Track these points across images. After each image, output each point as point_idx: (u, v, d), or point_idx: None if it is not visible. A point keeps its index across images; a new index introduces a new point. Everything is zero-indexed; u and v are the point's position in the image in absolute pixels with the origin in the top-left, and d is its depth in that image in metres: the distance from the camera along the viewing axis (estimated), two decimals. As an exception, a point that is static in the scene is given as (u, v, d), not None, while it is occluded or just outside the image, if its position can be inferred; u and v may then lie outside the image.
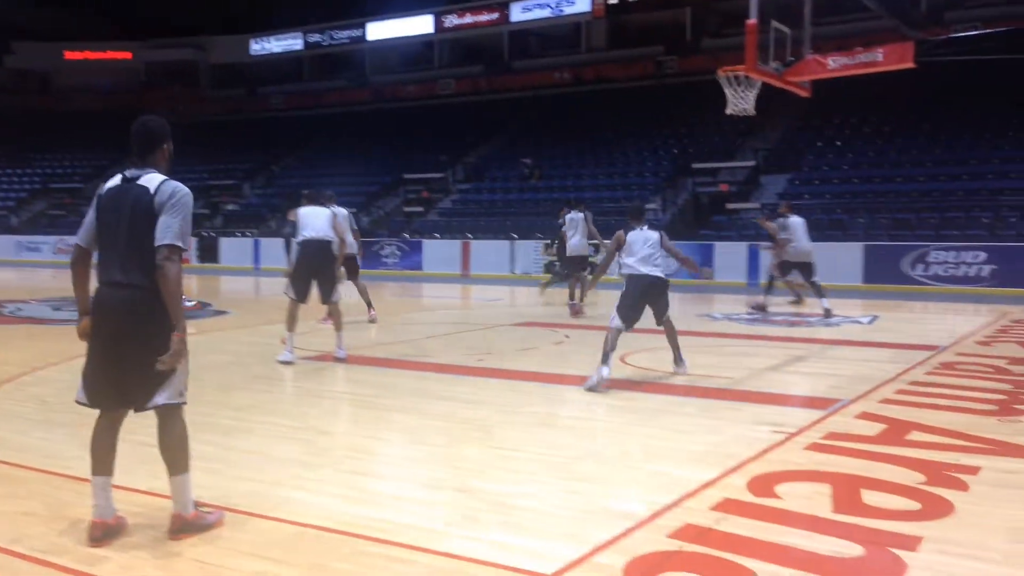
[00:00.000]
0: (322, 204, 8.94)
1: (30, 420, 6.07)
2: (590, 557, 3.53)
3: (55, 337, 10.40)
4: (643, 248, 7.45)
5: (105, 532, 3.69)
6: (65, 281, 3.94)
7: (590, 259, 13.97)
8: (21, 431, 5.74)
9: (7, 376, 7.68)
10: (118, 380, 3.69)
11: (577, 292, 13.31)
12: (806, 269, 13.00)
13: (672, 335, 7.83)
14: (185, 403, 3.83)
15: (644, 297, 7.43)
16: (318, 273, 8.52)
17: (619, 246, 7.58)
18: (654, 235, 7.55)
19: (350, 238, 11.19)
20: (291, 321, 8.48)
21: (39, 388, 7.10)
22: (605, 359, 7.12)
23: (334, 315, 8.68)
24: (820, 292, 12.77)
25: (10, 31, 42.43)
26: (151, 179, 3.71)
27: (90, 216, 3.78)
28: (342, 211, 10.49)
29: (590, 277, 12.81)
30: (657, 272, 7.45)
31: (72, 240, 3.90)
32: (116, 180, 3.80)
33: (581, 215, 13.33)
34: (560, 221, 14.09)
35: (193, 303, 11.43)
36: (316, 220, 8.62)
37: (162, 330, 3.61)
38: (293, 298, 8.52)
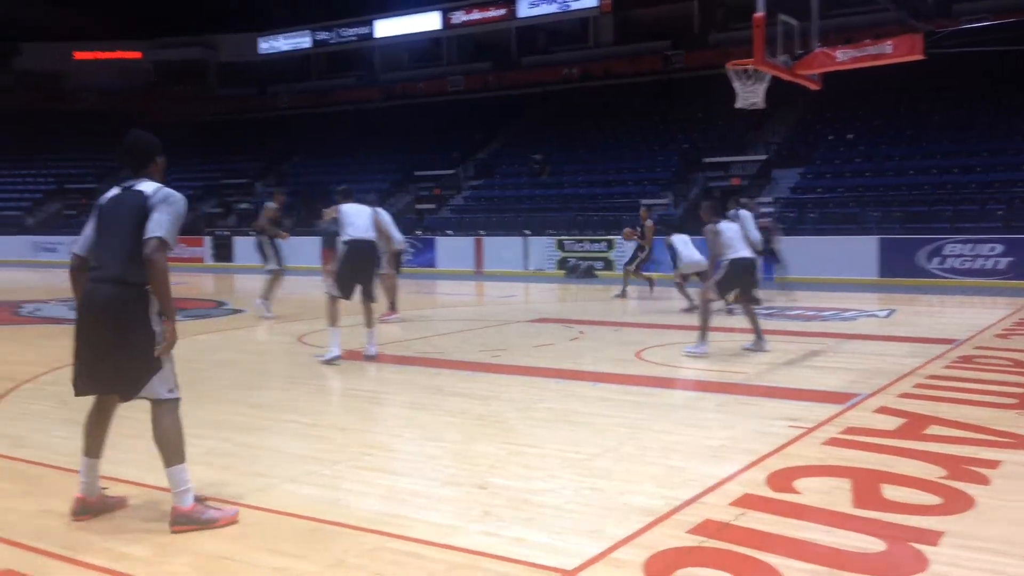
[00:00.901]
0: (363, 202, 8.85)
1: (50, 419, 6.11)
2: (610, 553, 3.52)
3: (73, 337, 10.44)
4: (737, 234, 8.63)
5: (84, 507, 3.91)
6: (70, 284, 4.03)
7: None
8: (41, 429, 5.79)
9: (27, 375, 7.74)
10: (99, 368, 3.81)
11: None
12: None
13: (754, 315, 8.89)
14: (178, 399, 3.91)
15: (746, 275, 8.61)
16: (363, 273, 8.45)
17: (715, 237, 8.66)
18: (735, 225, 8.83)
19: (397, 234, 11.20)
20: (333, 317, 8.32)
21: (58, 387, 7.13)
22: (703, 335, 8.41)
23: (369, 313, 8.61)
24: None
25: (19, 32, 42.63)
26: (147, 185, 3.90)
27: (89, 226, 3.94)
28: (384, 212, 10.57)
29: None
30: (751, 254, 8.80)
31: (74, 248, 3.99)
32: (115, 190, 3.96)
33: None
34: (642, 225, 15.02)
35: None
36: (360, 219, 8.51)
37: (142, 322, 3.75)
38: (337, 295, 8.34)
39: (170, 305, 3.79)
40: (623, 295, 15.25)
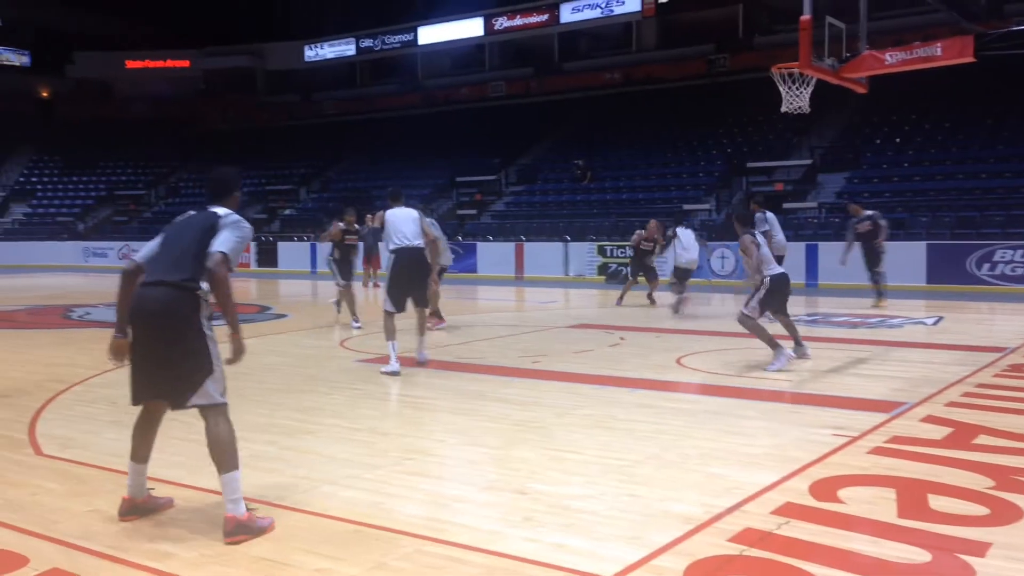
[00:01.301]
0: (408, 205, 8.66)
1: (100, 421, 6.25)
2: (650, 560, 3.51)
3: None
4: (767, 248, 8.40)
5: (131, 508, 4.03)
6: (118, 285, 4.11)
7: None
8: (90, 431, 5.92)
9: (77, 378, 7.92)
10: (155, 373, 3.89)
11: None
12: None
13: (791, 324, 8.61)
14: (225, 403, 3.95)
15: (784, 291, 8.31)
16: (414, 281, 8.25)
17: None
18: (763, 238, 8.47)
19: (447, 253, 11.24)
20: (389, 332, 8.22)
21: (108, 390, 7.30)
22: (774, 343, 8.11)
23: (422, 319, 8.60)
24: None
25: (72, 42, 43.68)
26: (222, 209, 4.10)
27: (156, 240, 4.09)
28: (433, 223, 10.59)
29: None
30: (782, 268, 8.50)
31: (137, 247, 4.11)
32: (191, 212, 4.18)
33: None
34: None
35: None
36: (406, 226, 8.26)
37: (193, 325, 3.83)
38: (390, 311, 8.22)
39: (235, 317, 3.91)
40: (652, 302, 14.96)
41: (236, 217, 4.02)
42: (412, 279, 8.24)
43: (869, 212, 14.35)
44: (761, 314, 8.21)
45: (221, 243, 3.88)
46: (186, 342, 3.83)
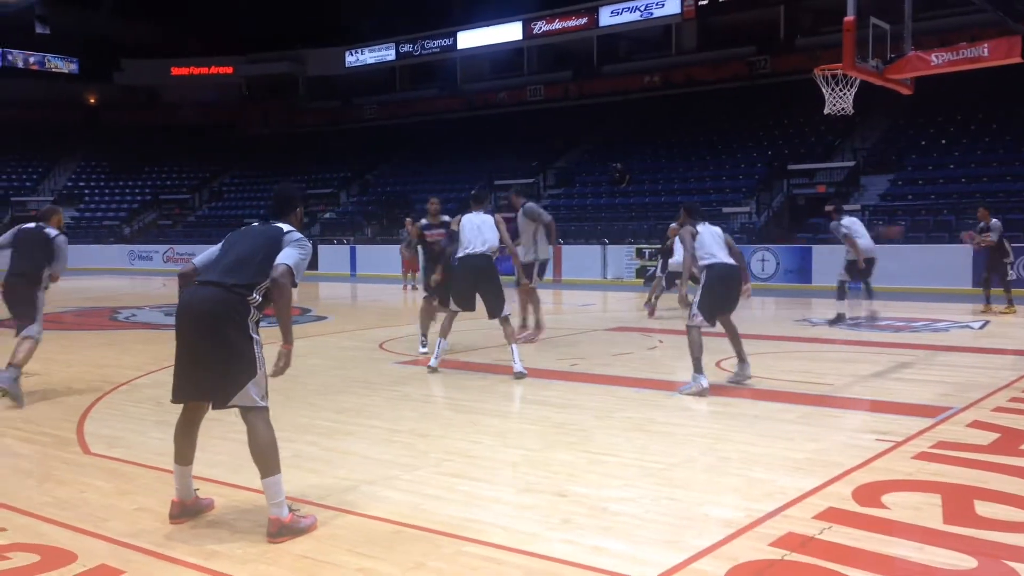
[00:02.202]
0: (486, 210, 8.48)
1: (146, 420, 6.37)
2: (690, 564, 3.49)
3: (168, 341, 10.83)
4: (717, 239, 7.38)
5: (182, 511, 4.09)
6: (176, 287, 4.25)
7: None
8: (138, 431, 6.04)
9: (124, 378, 8.08)
10: (199, 372, 3.95)
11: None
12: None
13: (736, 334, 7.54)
14: (266, 406, 4.00)
15: (726, 289, 7.26)
16: (481, 287, 8.16)
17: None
18: (719, 229, 7.49)
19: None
20: (442, 330, 8.36)
21: (154, 390, 7.44)
22: (699, 367, 7.05)
23: (508, 328, 8.21)
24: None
25: (119, 49, 44.56)
26: (286, 225, 4.20)
27: (216, 246, 4.21)
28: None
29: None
30: (732, 261, 7.34)
31: (182, 251, 4.22)
32: (254, 223, 4.33)
33: None
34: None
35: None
36: (477, 235, 8.18)
37: (240, 327, 3.90)
38: (456, 310, 8.27)
39: (290, 328, 4.03)
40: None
41: (299, 236, 4.12)
42: (477, 284, 8.16)
43: (995, 220, 14.07)
44: (710, 320, 7.19)
45: (287, 257, 3.98)
46: (232, 343, 3.88)
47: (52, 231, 7.30)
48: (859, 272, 12.21)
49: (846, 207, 23.46)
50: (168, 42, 44.91)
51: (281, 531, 3.82)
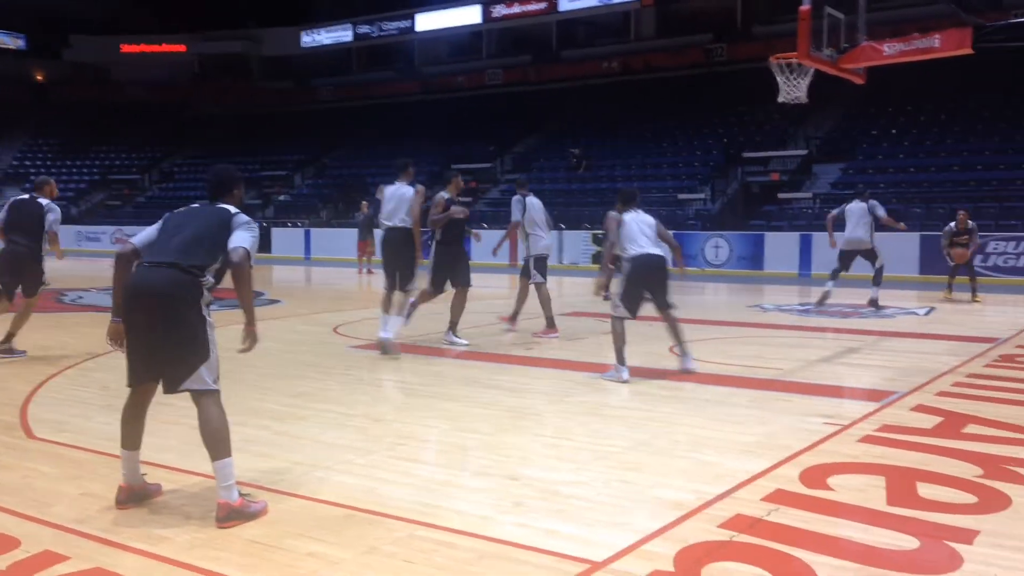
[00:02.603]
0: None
1: (92, 405, 6.25)
2: (640, 545, 3.53)
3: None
4: (645, 229, 7.36)
5: (129, 496, 4.04)
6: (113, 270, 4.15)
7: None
8: (84, 415, 5.92)
9: (70, 362, 7.93)
10: (149, 355, 3.91)
11: None
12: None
13: (675, 325, 7.56)
14: (218, 390, 3.97)
15: (649, 280, 7.27)
16: (399, 259, 8.51)
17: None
18: (650, 219, 7.48)
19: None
20: (398, 306, 8.58)
21: (101, 374, 7.31)
22: (621, 358, 7.08)
23: (402, 300, 8.61)
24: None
25: (68, 24, 43.42)
26: (230, 206, 4.17)
27: (154, 226, 4.13)
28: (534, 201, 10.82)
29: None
30: (661, 251, 7.32)
31: (130, 232, 4.15)
32: (194, 205, 4.27)
33: None
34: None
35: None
36: (400, 205, 8.47)
37: (193, 308, 3.88)
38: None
39: (252, 308, 4.05)
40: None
41: (247, 218, 4.11)
42: (393, 255, 8.51)
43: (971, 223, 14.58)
44: (631, 312, 7.14)
45: (241, 240, 3.96)
46: (186, 325, 3.85)
47: (44, 201, 7.94)
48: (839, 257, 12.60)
49: (799, 194, 23.92)
50: (119, 18, 43.86)
51: (230, 515, 3.78)
